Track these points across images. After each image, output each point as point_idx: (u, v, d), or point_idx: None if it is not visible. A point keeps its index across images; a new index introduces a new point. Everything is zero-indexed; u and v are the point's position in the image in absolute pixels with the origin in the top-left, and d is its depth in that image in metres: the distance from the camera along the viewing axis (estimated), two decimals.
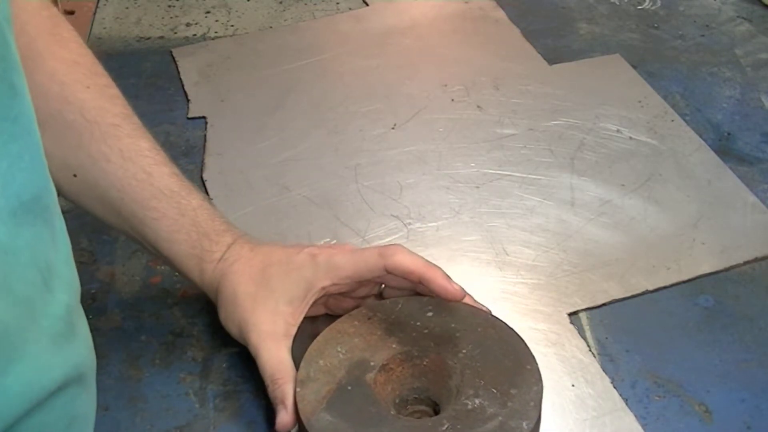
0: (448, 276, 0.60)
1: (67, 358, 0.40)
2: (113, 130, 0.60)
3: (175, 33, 1.06)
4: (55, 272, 0.39)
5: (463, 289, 0.60)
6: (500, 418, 0.53)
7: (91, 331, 0.46)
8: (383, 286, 0.63)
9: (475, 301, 0.63)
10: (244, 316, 0.59)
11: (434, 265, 0.61)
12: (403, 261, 0.59)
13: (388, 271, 0.60)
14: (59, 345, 0.39)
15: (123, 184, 0.59)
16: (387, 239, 0.75)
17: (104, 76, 0.63)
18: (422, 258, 0.61)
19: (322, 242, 0.75)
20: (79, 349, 0.42)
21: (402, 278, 0.60)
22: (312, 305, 0.61)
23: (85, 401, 0.44)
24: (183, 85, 0.96)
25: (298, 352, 0.59)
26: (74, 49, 0.61)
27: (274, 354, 0.57)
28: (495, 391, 0.54)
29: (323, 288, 0.60)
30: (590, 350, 0.65)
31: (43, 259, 0.38)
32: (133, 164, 0.60)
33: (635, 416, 0.60)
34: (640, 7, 1.10)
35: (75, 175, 0.59)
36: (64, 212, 0.43)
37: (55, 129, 0.58)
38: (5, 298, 0.35)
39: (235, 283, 0.60)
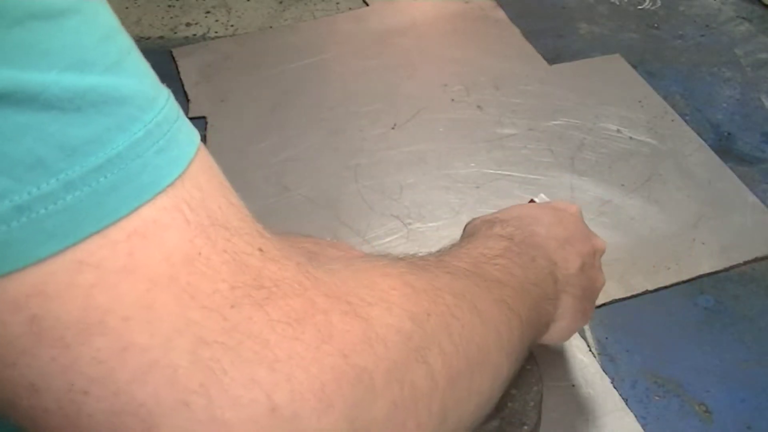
0: None
1: None
2: None
3: (175, 33, 1.06)
4: None
5: None
6: (500, 418, 0.53)
7: None
8: None
9: None
10: None
11: None
12: None
13: None
14: None
15: None
16: (387, 239, 0.75)
17: None
18: None
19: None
20: None
21: None
22: None
23: None
24: (183, 85, 0.96)
25: None
26: None
27: None
28: None
29: None
30: (590, 350, 0.65)
31: None
32: None
33: (635, 416, 0.60)
34: (640, 7, 1.10)
35: None
36: None
37: None
38: None
39: None
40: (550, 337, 0.52)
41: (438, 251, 0.46)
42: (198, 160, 0.29)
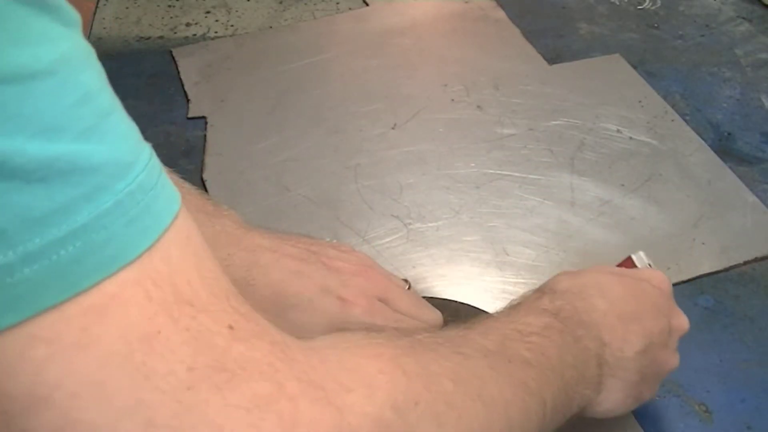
0: None
1: None
2: None
3: (175, 33, 1.06)
4: None
5: None
6: None
7: None
8: None
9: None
10: None
11: None
12: None
13: None
14: None
15: None
16: (387, 239, 0.75)
17: None
18: None
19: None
20: None
21: None
22: None
23: None
24: (183, 85, 0.96)
25: None
26: None
27: None
28: None
29: None
30: None
31: None
32: None
33: (635, 416, 0.60)
34: (640, 7, 1.10)
35: None
36: None
37: None
38: None
39: None
40: (589, 414, 0.49)
41: (471, 322, 0.44)
42: (173, 229, 0.28)
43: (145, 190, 0.27)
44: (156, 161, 0.28)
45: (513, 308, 0.48)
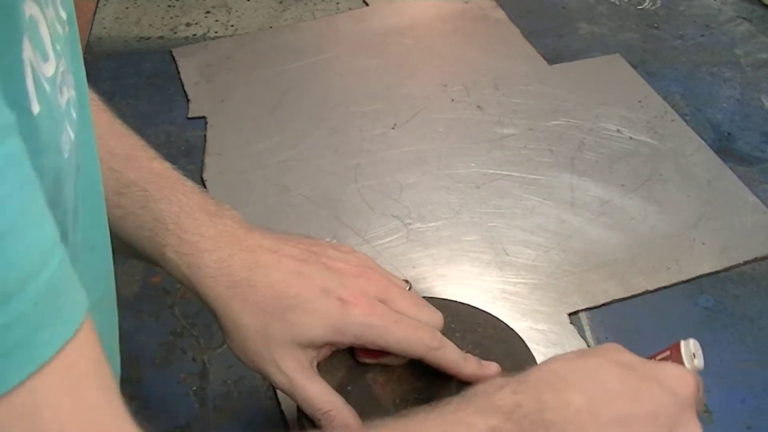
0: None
1: None
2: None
3: (175, 33, 1.06)
4: None
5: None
6: None
7: None
8: None
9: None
10: (256, 349, 0.52)
11: (470, 357, 0.54)
12: (448, 362, 0.53)
13: (427, 362, 0.53)
14: None
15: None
16: (387, 239, 0.75)
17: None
18: (465, 358, 0.53)
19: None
20: None
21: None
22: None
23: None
24: (183, 85, 0.96)
25: None
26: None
27: (312, 389, 0.51)
28: None
29: (352, 343, 0.53)
30: None
31: None
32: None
33: None
34: (640, 7, 1.10)
35: None
36: None
37: None
38: None
39: (238, 312, 0.52)
40: None
41: (411, 416, 0.41)
42: (57, 358, 0.26)
43: (25, 321, 0.25)
44: (58, 281, 0.26)
45: (464, 400, 0.43)
